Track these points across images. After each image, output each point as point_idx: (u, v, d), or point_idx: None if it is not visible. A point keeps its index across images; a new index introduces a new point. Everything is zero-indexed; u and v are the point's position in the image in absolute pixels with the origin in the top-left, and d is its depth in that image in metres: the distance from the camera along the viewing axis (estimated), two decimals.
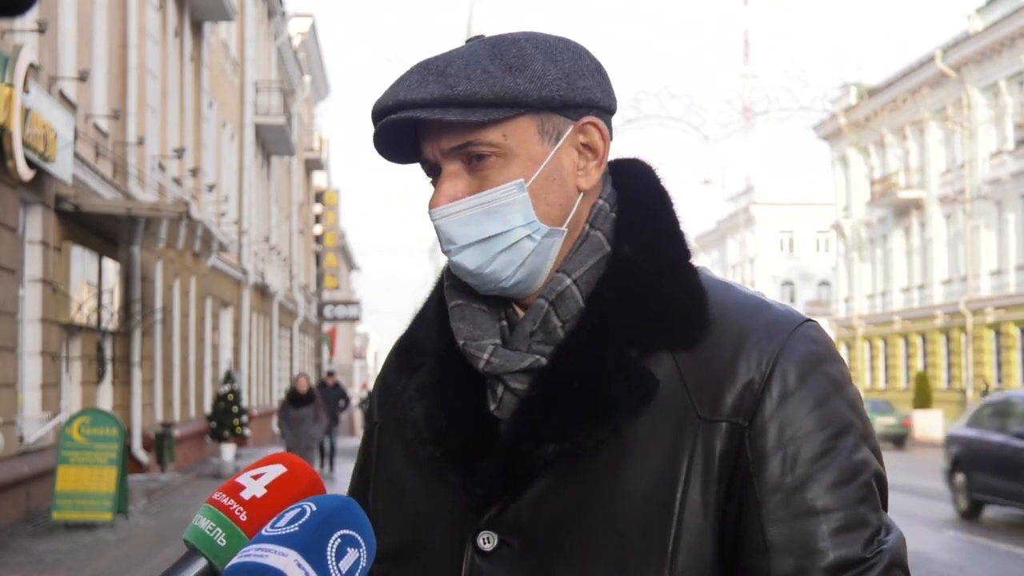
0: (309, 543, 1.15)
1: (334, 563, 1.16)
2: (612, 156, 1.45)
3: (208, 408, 25.18)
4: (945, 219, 43.23)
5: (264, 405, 34.89)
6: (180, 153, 22.37)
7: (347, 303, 56.31)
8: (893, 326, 47.30)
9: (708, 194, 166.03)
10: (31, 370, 14.49)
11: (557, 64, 1.36)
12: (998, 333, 39.01)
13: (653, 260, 1.38)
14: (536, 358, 1.36)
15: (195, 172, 24.05)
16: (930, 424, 38.36)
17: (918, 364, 44.81)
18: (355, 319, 58.14)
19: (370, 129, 1.40)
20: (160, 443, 19.48)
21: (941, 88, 42.36)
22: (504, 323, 1.41)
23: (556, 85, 1.35)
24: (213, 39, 27.07)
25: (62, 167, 14.43)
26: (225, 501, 1.22)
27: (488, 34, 1.41)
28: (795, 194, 70.58)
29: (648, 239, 1.40)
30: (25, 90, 12.84)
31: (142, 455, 18.93)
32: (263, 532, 1.17)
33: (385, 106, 1.36)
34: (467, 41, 1.40)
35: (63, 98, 15.34)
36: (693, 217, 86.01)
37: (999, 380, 38.31)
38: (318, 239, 53.94)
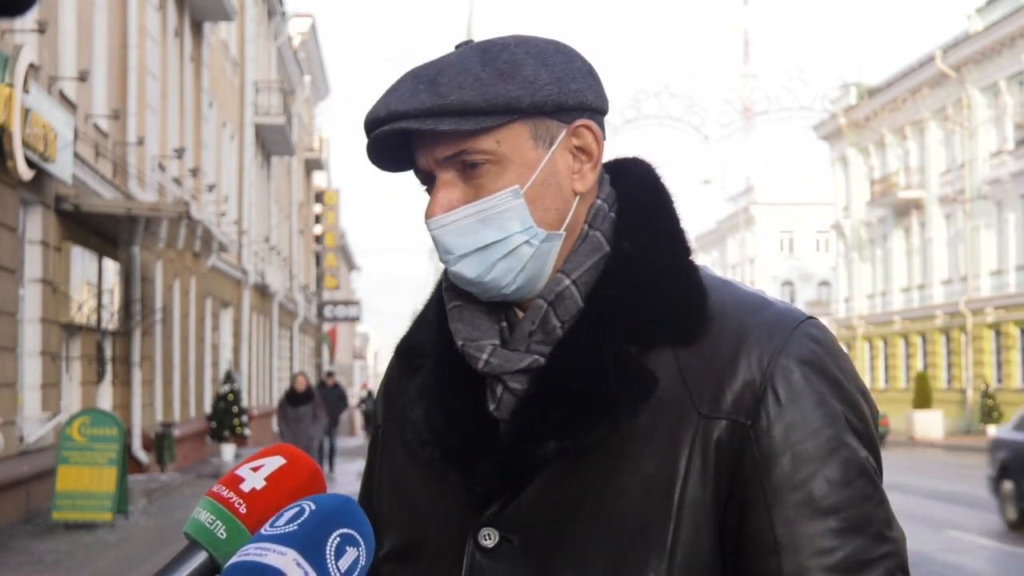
0: (308, 542, 1.15)
1: (333, 562, 1.16)
2: (612, 156, 1.46)
3: (208, 408, 25.20)
4: (945, 219, 43.25)
5: (264, 405, 34.90)
6: (180, 153, 22.38)
7: (347, 303, 56.35)
8: (893, 326, 47.32)
9: (708, 194, 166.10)
10: (31, 370, 14.49)
11: (548, 68, 1.35)
12: (998, 333, 39.02)
13: (653, 258, 1.38)
14: (535, 358, 1.36)
15: (195, 172, 24.06)
16: (930, 424, 38.40)
17: (918, 364, 44.82)
18: (355, 319, 58.19)
19: None
20: (160, 443, 19.49)
21: (941, 88, 42.38)
22: (504, 324, 1.41)
23: (548, 90, 1.34)
24: (213, 39, 27.07)
25: (62, 167, 14.43)
26: (225, 494, 1.22)
27: (482, 37, 1.41)
28: (795, 194, 70.63)
29: (648, 237, 1.39)
30: (25, 90, 12.84)
31: (142, 455, 18.94)
32: (262, 531, 1.17)
33: (377, 117, 1.35)
34: (456, 47, 1.39)
35: (63, 98, 15.34)
36: (693, 217, 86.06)
37: (999, 380, 38.33)
38: (318, 239, 53.96)
